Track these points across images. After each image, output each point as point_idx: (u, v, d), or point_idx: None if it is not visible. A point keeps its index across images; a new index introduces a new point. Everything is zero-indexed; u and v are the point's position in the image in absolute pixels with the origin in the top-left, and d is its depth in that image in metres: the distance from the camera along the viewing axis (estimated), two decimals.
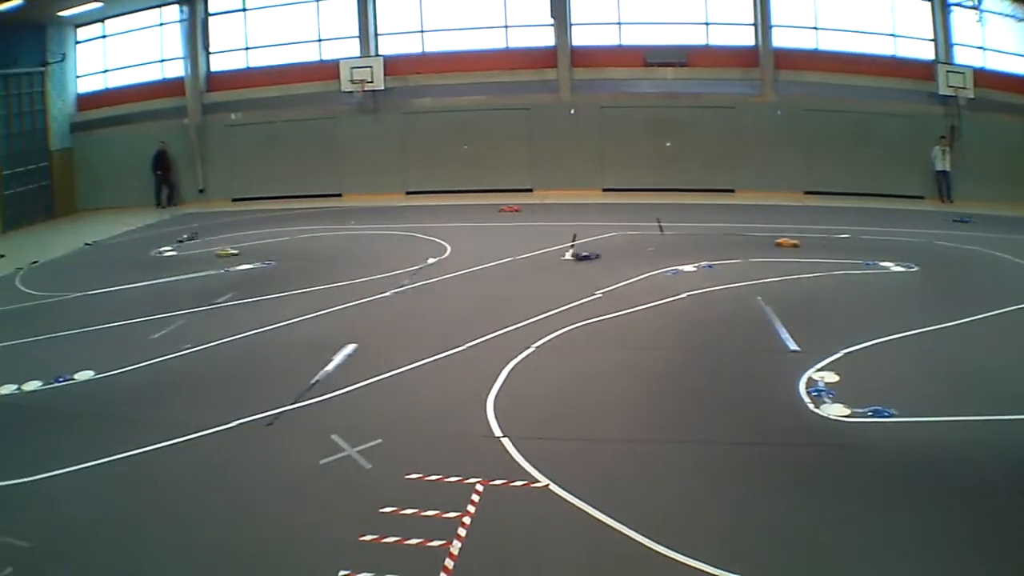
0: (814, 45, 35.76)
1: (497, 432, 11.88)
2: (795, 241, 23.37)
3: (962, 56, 35.21)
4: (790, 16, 35.74)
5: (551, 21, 35.44)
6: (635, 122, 34.98)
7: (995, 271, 22.09)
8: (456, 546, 8.92)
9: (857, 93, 34.54)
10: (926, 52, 35.39)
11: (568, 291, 19.26)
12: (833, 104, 34.49)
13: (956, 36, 35.24)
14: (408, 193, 36.18)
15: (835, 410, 12.54)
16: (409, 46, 36.97)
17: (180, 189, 38.08)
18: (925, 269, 21.68)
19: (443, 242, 25.54)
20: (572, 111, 35.12)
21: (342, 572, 8.54)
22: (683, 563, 8.56)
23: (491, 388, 13.53)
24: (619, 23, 36.16)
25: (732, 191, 34.30)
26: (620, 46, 35.97)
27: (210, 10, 38.17)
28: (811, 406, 12.75)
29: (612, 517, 9.43)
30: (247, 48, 38.20)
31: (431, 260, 23.20)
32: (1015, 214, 31.26)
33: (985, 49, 35.28)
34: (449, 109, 35.85)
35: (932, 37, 35.23)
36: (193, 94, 37.43)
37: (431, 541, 9.02)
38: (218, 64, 38.60)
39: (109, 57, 39.13)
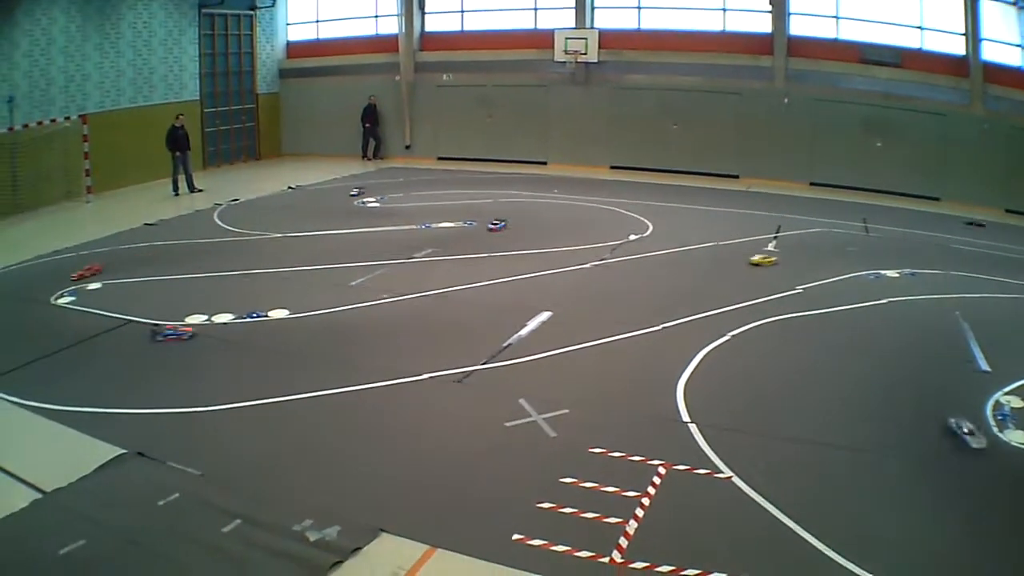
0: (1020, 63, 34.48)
1: (685, 417, 11.96)
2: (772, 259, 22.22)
3: None
4: (998, 30, 34.54)
5: (769, 8, 34.97)
6: (846, 118, 34.21)
7: None
8: (632, 525, 9.10)
9: None
10: None
11: (768, 283, 19.08)
12: None
13: None
14: (612, 168, 36.13)
15: (1017, 436, 12.23)
16: (625, 21, 36.84)
17: (386, 143, 39.00)
18: None
19: (645, 219, 25.51)
20: (785, 100, 34.63)
21: (516, 535, 8.84)
22: (855, 572, 8.54)
23: (683, 372, 13.57)
24: (837, 16, 35.47)
25: (938, 199, 33.39)
26: (836, 40, 35.23)
27: None
28: (995, 429, 12.42)
29: (792, 518, 9.43)
30: (462, 11, 38.70)
31: (632, 236, 23.19)
32: None
33: None
34: (660, 87, 35.58)
35: None
36: (406, 52, 38.17)
37: (608, 517, 9.23)
38: (432, 24, 39.25)
39: (322, 8, 40.27)
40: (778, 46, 34.67)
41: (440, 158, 38.19)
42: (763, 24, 35.10)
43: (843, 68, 34.73)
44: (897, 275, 20.60)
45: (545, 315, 15.98)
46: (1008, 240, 26.71)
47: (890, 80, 34.15)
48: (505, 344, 14.43)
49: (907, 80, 34.23)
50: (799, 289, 18.82)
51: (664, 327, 15.80)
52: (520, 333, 14.99)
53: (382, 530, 9.00)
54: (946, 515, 10.03)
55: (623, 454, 10.67)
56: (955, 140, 33.31)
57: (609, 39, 35.94)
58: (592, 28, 36.17)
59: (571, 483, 9.96)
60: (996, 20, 33.54)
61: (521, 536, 8.85)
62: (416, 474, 10.25)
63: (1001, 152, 32.63)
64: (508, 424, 11.54)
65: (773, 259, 20.77)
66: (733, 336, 15.54)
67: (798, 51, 34.92)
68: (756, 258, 20.74)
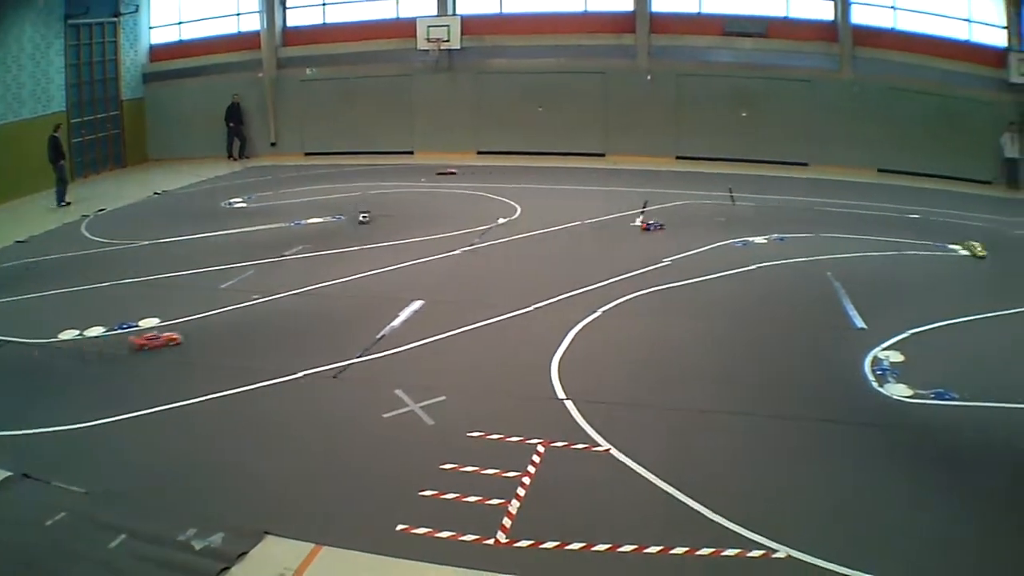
0: (892, 24, 35.30)
1: (561, 395, 11.96)
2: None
3: None
4: None
5: None
6: (711, 91, 34.65)
7: None
8: (515, 505, 9.06)
9: (931, 75, 34.10)
10: (999, 39, 34.88)
11: (636, 257, 19.26)
12: (908, 84, 34.04)
13: None
14: (479, 153, 36.08)
15: (898, 390, 12.51)
16: (486, 6, 36.79)
17: (252, 142, 38.35)
18: (995, 255, 21.40)
19: (513, 203, 25.56)
20: (648, 77, 34.89)
21: (400, 526, 8.71)
22: (739, 533, 8.67)
23: (556, 350, 13.60)
24: None
25: (806, 164, 33.99)
26: (699, 14, 35.59)
27: None
28: (875, 384, 12.73)
29: (671, 484, 9.53)
30: (323, 3, 38.22)
31: (501, 220, 23.25)
32: None
33: None
34: (524, 71, 35.66)
35: (1005, 24, 34.69)
36: (268, 48, 37.58)
37: (490, 499, 9.16)
38: (294, 19, 38.69)
39: (184, 9, 39.38)
40: (640, 23, 34.97)
41: (307, 154, 37.70)
42: (625, 2, 35.28)
43: (707, 42, 35.23)
44: (765, 241, 21.10)
45: (417, 304, 15.83)
46: (880, 199, 27.37)
47: (755, 50, 34.77)
48: (379, 336, 14.24)
49: (774, 49, 34.87)
50: (667, 261, 19.08)
51: (536, 307, 15.85)
52: (393, 324, 14.82)
53: (267, 532, 8.77)
54: (833, 471, 10.26)
55: (501, 436, 10.62)
56: (824, 105, 34.10)
57: (472, 25, 35.87)
58: (454, 15, 36.10)
59: (452, 469, 9.86)
60: None
61: (405, 526, 8.72)
62: (298, 473, 10.05)
63: (872, 113, 33.45)
64: (386, 415, 11.39)
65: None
66: (604, 312, 15.67)
67: (661, 27, 35.26)
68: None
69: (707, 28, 35.30)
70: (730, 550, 8.43)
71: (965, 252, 19.02)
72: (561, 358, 13.32)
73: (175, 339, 14.36)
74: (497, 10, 36.63)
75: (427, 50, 35.60)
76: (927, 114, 33.75)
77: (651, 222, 22.72)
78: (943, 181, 32.65)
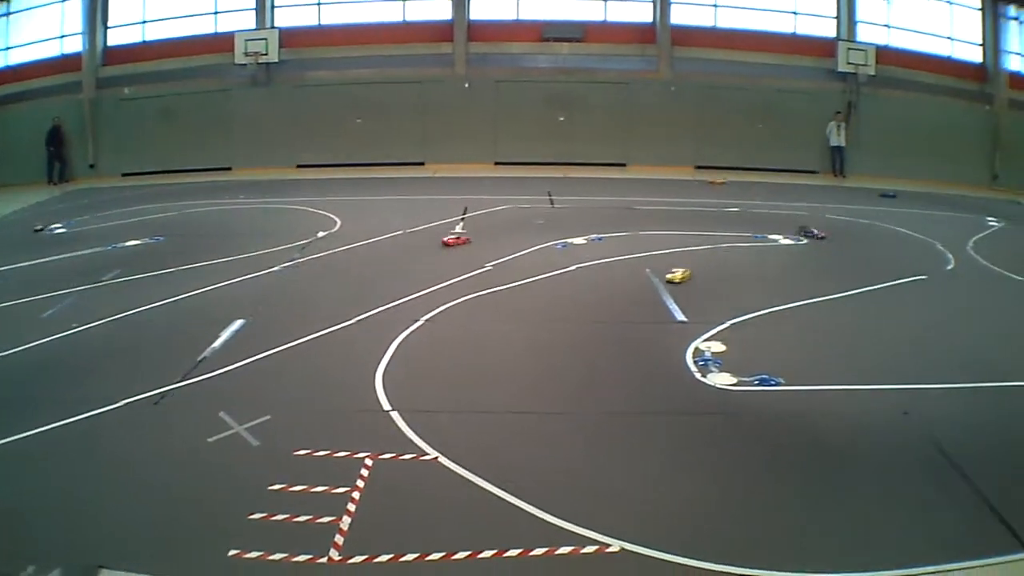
0: (712, 23, 36.23)
1: (386, 406, 11.84)
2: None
3: (865, 33, 36.13)
4: None
5: None
6: (529, 97, 35.19)
7: (886, 244, 22.74)
8: (346, 521, 8.88)
9: (755, 70, 35.29)
10: (828, 29, 36.16)
11: (458, 264, 19.34)
12: (729, 81, 35.20)
13: (860, 14, 36.14)
14: (299, 167, 35.77)
15: (722, 379, 12.80)
16: (305, 18, 36.60)
17: (72, 164, 37.14)
18: (814, 242, 22.15)
19: (333, 216, 25.33)
20: (466, 85, 35.12)
21: (232, 551, 8.44)
22: (571, 531, 8.70)
23: (380, 362, 13.46)
24: None
25: (624, 165, 34.66)
26: (517, 21, 36.11)
27: None
28: (698, 375, 13.01)
29: (501, 488, 9.50)
30: (144, 21, 37.41)
31: (321, 234, 22.98)
32: (911, 188, 32.25)
33: (890, 27, 36.25)
34: (343, 82, 35.57)
35: (835, 15, 35.98)
36: (89, 68, 36.54)
37: (321, 517, 8.96)
38: (117, 38, 37.74)
39: (5, 36, 38.01)
40: (458, 32, 35.30)
41: (124, 174, 36.60)
42: (443, 11, 35.50)
43: (525, 48, 35.79)
44: (585, 241, 21.51)
45: (238, 323, 15.44)
46: (700, 196, 28.06)
47: (573, 55, 35.32)
48: (200, 358, 13.82)
49: (592, 53, 35.51)
50: (488, 267, 19.25)
51: (358, 320, 15.67)
52: (214, 345, 14.38)
53: (101, 567, 8.41)
54: (662, 462, 10.48)
55: (328, 452, 10.43)
56: (641, 107, 34.90)
57: (290, 37, 35.70)
58: (272, 28, 35.77)
59: (280, 489, 9.60)
60: None
61: (237, 551, 8.42)
62: (128, 504, 9.61)
63: (690, 112, 34.33)
64: (211, 439, 11.04)
65: (686, 273, 18.16)
66: (426, 320, 15.65)
67: (479, 35, 35.63)
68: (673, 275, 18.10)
69: (525, 35, 35.81)
70: (564, 547, 8.43)
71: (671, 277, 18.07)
72: (385, 369, 13.20)
73: None
74: (316, 22, 36.40)
75: (245, 64, 35.13)
76: (749, 109, 34.90)
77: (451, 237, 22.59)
78: (767, 174, 33.73)
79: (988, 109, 36.35)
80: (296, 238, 22.32)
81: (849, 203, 29.18)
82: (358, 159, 35.25)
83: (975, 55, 37.85)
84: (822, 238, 22.72)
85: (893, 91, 35.76)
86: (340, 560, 8.32)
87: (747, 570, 8.19)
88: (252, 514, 9.09)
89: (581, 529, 8.71)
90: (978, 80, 37.10)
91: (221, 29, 36.68)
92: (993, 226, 26.77)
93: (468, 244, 21.77)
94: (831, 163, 35.63)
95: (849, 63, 35.04)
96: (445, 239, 22.01)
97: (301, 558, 8.34)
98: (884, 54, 35.96)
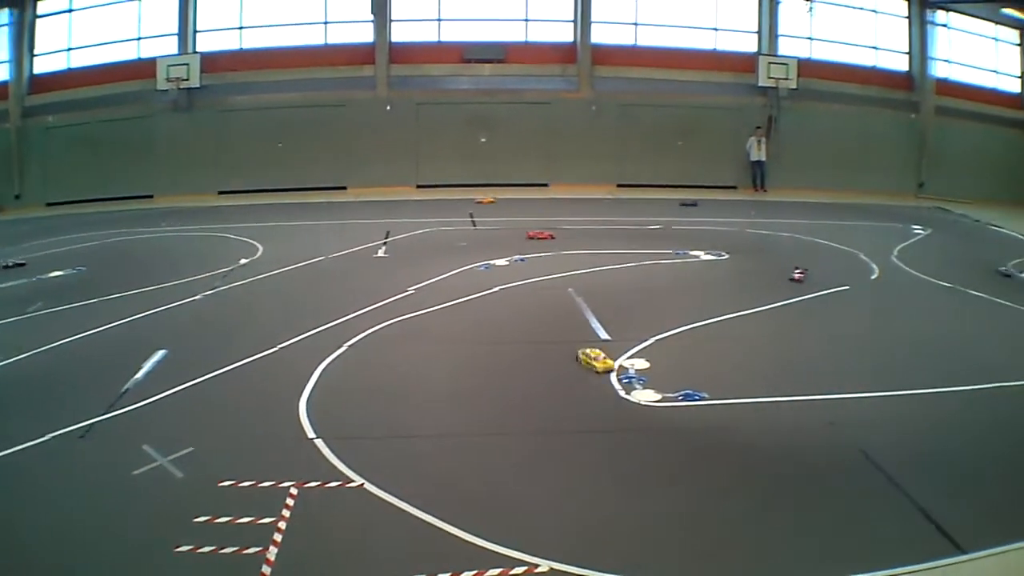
0: (633, 41, 36.60)
1: (310, 434, 11.78)
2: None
3: (787, 47, 36.68)
4: (610, 12, 36.53)
5: (371, 17, 35.37)
6: (451, 118, 35.33)
7: (808, 257, 23.12)
8: (272, 552, 8.82)
9: (676, 88, 35.82)
10: (750, 45, 36.67)
11: (381, 288, 19.28)
12: (650, 99, 35.65)
13: (782, 28, 36.65)
14: (221, 193, 35.46)
15: (646, 396, 12.94)
16: (227, 43, 36.40)
17: None
18: (735, 256, 22.44)
19: (255, 242, 25.10)
20: (388, 107, 35.11)
21: None
22: (500, 553, 8.75)
23: (303, 390, 13.39)
24: (439, 19, 36.38)
25: (546, 185, 34.88)
26: (439, 42, 36.26)
27: (38, 12, 36.87)
28: (622, 393, 13.16)
29: (429, 512, 9.52)
30: (69, 49, 36.97)
31: (243, 261, 22.74)
32: (832, 200, 32.85)
33: (812, 39, 36.83)
34: (265, 106, 35.37)
35: (756, 29, 36.50)
36: (15, 97, 36.03)
37: (247, 548, 8.89)
38: (42, 66, 37.25)
39: None
40: (380, 54, 35.35)
41: (49, 204, 35.99)
42: (365, 34, 35.54)
43: (446, 70, 35.95)
44: (507, 263, 21.55)
45: (160, 353, 15.26)
46: (621, 214, 28.34)
47: (495, 76, 35.48)
48: (123, 390, 13.64)
49: (513, 74, 35.67)
50: (411, 290, 19.26)
51: (281, 347, 15.54)
52: (136, 377, 14.20)
53: None
54: (589, 480, 10.59)
55: (253, 482, 10.34)
56: (563, 126, 35.18)
57: (213, 62, 35.47)
58: (195, 53, 35.47)
59: (206, 521, 9.50)
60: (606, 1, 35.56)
61: None
62: (56, 540, 9.50)
63: (611, 131, 34.70)
64: (135, 472, 10.93)
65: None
66: (350, 346, 15.59)
67: (401, 57, 35.70)
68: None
69: (446, 56, 35.97)
70: (493, 570, 8.47)
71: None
72: (309, 397, 13.13)
73: None
74: (238, 46, 36.22)
75: (167, 90, 34.84)
76: (670, 126, 35.38)
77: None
78: (688, 191, 34.06)
79: (914, 117, 37.12)
80: (218, 266, 22.05)
81: (769, 217, 29.59)
82: (280, 184, 35.07)
83: (901, 64, 38.69)
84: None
85: (816, 103, 36.44)
86: None
87: None
88: (179, 547, 8.99)
89: (510, 551, 8.76)
90: (904, 88, 37.91)
91: (145, 55, 36.33)
92: (919, 234, 27.34)
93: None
94: (751, 178, 36.10)
95: (770, 77, 35.61)
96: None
97: None
98: (807, 67, 36.62)
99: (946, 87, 37.44)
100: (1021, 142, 36.94)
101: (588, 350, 14.38)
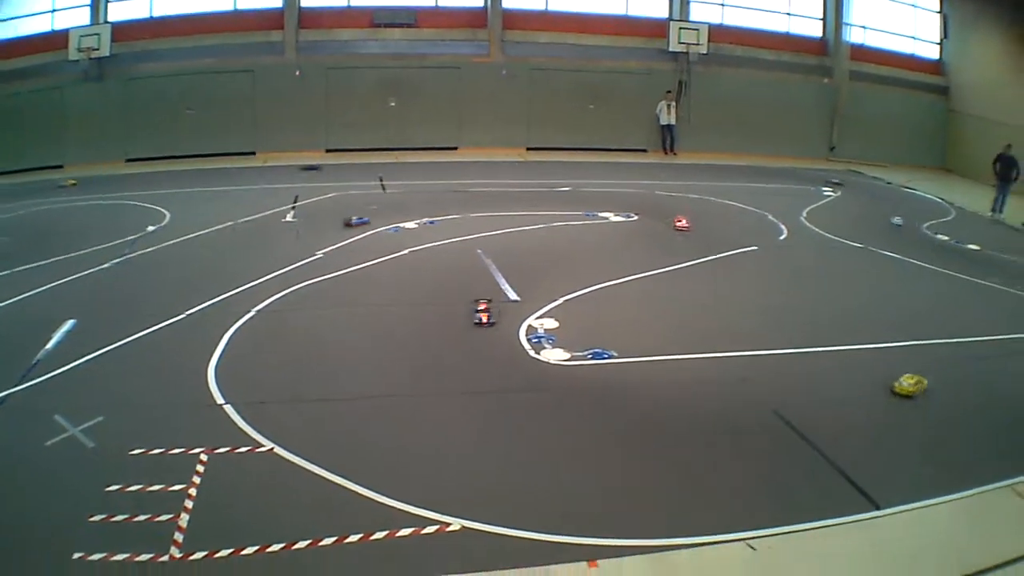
0: (544, 6, 36.63)
1: (219, 400, 11.84)
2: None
3: (699, 13, 36.84)
4: None
5: None
6: (361, 83, 35.05)
7: (717, 218, 23.49)
8: (184, 518, 8.93)
9: (586, 53, 35.90)
10: (661, 10, 36.85)
11: (289, 253, 19.28)
12: (560, 63, 35.71)
13: None
14: (128, 160, 34.63)
15: (555, 355, 13.27)
16: (138, 11, 35.69)
17: None
18: (645, 218, 22.69)
19: (163, 209, 24.63)
20: (297, 72, 34.80)
21: (76, 554, 8.41)
22: (411, 512, 8.99)
23: (212, 356, 13.40)
24: None
25: (456, 148, 34.92)
26: (348, 7, 35.88)
27: None
28: (531, 352, 13.45)
29: (339, 474, 9.70)
30: None
31: (151, 228, 22.34)
32: (743, 164, 33.42)
33: (724, 5, 37.03)
34: (174, 73, 34.68)
35: None
36: None
37: (159, 516, 8.98)
38: None
39: None
40: (289, 19, 34.94)
41: None
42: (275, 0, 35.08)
43: (356, 34, 35.63)
44: (416, 225, 21.68)
45: (69, 323, 15.07)
46: (530, 176, 28.61)
47: (405, 40, 35.26)
48: (34, 361, 13.51)
49: (423, 38, 35.50)
50: (320, 254, 19.29)
51: (189, 314, 15.46)
52: (47, 347, 14.07)
53: None
54: (497, 438, 10.93)
55: (163, 450, 10.39)
56: (472, 90, 35.13)
57: (124, 31, 34.47)
58: (105, 23, 34.69)
59: (118, 489, 9.56)
60: None
61: (81, 554, 8.40)
62: None
63: (521, 95, 35.24)
64: (48, 443, 10.89)
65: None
66: (259, 311, 15.60)
67: (310, 22, 35.35)
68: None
69: (356, 21, 35.66)
70: (404, 530, 8.70)
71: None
72: (218, 363, 13.16)
73: None
74: (148, 14, 35.59)
75: (77, 60, 34.16)
76: (580, 90, 35.50)
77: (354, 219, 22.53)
78: (598, 154, 34.26)
79: (827, 82, 37.51)
80: (125, 233, 21.63)
81: (679, 179, 29.90)
82: (189, 150, 34.35)
83: (815, 30, 38.96)
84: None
85: (728, 68, 36.72)
86: (181, 557, 8.38)
87: (589, 539, 8.61)
88: (92, 516, 9.06)
89: (420, 510, 8.99)
90: (818, 54, 38.24)
91: (58, 27, 35.48)
92: (828, 196, 27.82)
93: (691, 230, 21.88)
94: (661, 141, 36.38)
95: (681, 43, 35.81)
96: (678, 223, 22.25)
97: (143, 557, 8.37)
98: (718, 32, 36.87)
99: (861, 52, 37.86)
100: (939, 107, 37.62)
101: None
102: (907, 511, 9.24)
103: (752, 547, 8.48)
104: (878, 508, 9.21)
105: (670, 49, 36.01)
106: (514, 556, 8.37)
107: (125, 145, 34.52)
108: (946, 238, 22.42)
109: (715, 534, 8.69)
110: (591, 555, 8.33)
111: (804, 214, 24.37)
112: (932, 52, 38.82)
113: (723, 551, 8.51)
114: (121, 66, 34.68)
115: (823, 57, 38.17)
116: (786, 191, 28.75)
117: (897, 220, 23.97)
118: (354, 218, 22.13)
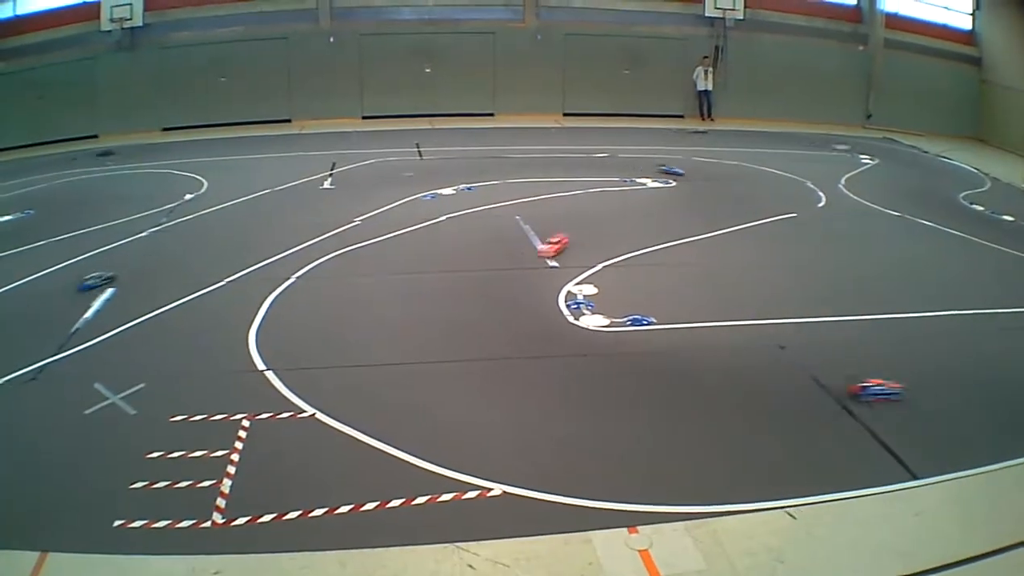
0: None
1: (261, 366, 11.85)
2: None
3: None
4: None
5: None
6: (395, 50, 34.83)
7: (756, 184, 23.27)
8: (227, 484, 8.94)
9: (621, 18, 35.57)
10: None
11: (328, 220, 19.19)
12: (594, 28, 35.35)
13: None
14: (164, 130, 34.66)
15: (595, 321, 13.19)
16: None
17: None
18: (682, 184, 22.54)
19: (200, 177, 24.64)
20: (331, 39, 34.70)
21: (117, 521, 8.42)
22: (452, 478, 8.94)
23: (252, 322, 13.42)
24: None
25: (492, 115, 34.74)
26: None
27: None
28: (571, 319, 13.38)
29: (380, 440, 9.67)
30: None
31: (188, 196, 22.33)
32: (779, 130, 32.95)
33: None
34: (207, 42, 34.68)
35: None
36: None
37: (201, 482, 8.99)
38: None
39: None
40: None
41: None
42: None
43: (390, 0, 35.25)
44: (454, 192, 21.62)
45: (109, 292, 15.11)
46: (568, 142, 28.33)
47: (438, 6, 35.11)
48: (73, 330, 13.57)
49: (456, 4, 35.34)
50: (358, 221, 19.20)
51: (230, 280, 15.50)
52: (86, 316, 14.09)
53: (47, 551, 8.34)
54: (538, 405, 10.81)
55: (205, 416, 10.41)
56: (508, 55, 34.84)
57: (155, 1, 34.60)
58: None
59: (159, 456, 9.57)
60: None
61: (123, 521, 8.41)
62: (11, 482, 9.50)
63: (556, 60, 34.49)
64: (87, 412, 10.92)
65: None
66: (299, 277, 15.61)
67: None
68: None
69: None
70: (446, 495, 8.67)
71: None
72: (259, 329, 13.18)
73: None
74: None
75: (110, 31, 34.22)
76: (616, 56, 35.22)
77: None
78: (635, 119, 34.06)
79: (862, 49, 37.06)
80: (163, 202, 21.67)
81: (716, 146, 29.69)
82: (224, 119, 34.28)
83: None
84: (681, 174, 23.35)
85: (763, 34, 36.29)
86: (224, 523, 8.38)
87: (630, 506, 8.52)
88: (134, 483, 9.06)
89: (462, 475, 8.95)
90: (853, 21, 37.72)
91: None
92: (866, 163, 27.54)
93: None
94: (698, 107, 36.12)
95: (717, 8, 35.43)
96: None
97: (185, 524, 8.38)
98: None
99: (895, 21, 37.35)
100: (970, 77, 37.06)
101: None
102: (943, 481, 9.12)
103: (792, 515, 8.39)
104: (915, 478, 9.09)
105: (706, 14, 35.65)
106: (555, 522, 8.30)
107: (160, 114, 34.53)
108: (981, 208, 22.04)
109: (755, 501, 8.61)
110: (631, 521, 8.26)
111: (842, 181, 24.11)
112: (965, 23, 38.31)
113: (764, 519, 8.41)
114: (154, 35, 34.68)
115: (858, 24, 37.65)
116: (824, 158, 28.41)
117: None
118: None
